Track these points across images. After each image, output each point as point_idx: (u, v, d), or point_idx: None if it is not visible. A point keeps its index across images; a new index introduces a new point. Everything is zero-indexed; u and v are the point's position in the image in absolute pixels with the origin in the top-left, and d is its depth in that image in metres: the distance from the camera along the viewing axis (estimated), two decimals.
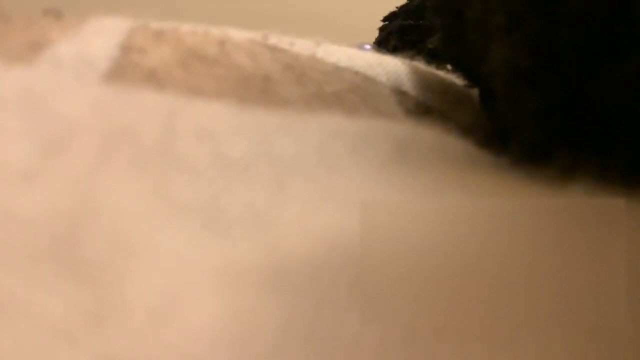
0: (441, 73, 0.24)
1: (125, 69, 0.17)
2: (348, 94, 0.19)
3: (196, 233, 0.12)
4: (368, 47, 0.34)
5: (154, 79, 0.17)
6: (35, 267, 0.11)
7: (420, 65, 0.23)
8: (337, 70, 0.20)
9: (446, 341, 0.10)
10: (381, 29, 0.35)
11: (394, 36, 0.33)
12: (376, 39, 0.35)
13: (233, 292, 0.11)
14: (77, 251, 0.11)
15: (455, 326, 0.10)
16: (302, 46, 0.21)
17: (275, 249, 0.12)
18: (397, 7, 0.35)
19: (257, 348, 0.10)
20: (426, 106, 0.21)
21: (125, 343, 0.10)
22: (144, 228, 0.12)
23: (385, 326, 0.10)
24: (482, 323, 0.10)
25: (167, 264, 0.11)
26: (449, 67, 0.24)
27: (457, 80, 0.23)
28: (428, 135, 0.18)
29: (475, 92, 0.22)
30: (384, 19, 0.36)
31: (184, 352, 0.10)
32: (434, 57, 0.24)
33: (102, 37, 0.18)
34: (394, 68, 0.22)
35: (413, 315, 0.11)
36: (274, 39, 0.20)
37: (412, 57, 0.23)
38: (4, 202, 0.12)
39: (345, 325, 0.10)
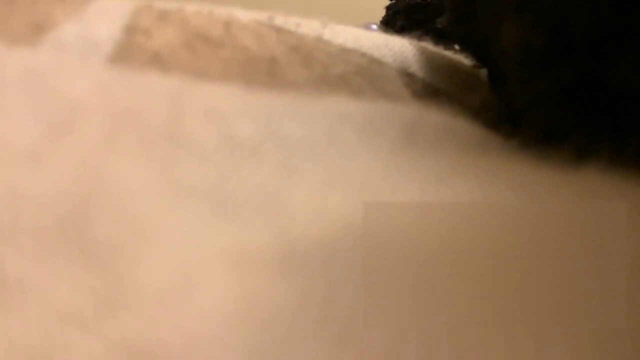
0: (449, 53, 0.23)
1: (130, 51, 0.17)
2: (354, 77, 0.19)
3: (205, 215, 0.12)
4: (374, 27, 0.33)
5: (158, 61, 0.17)
6: (44, 250, 0.11)
7: (428, 45, 0.23)
8: (343, 52, 0.20)
9: (456, 321, 0.10)
10: (388, 8, 0.35)
11: (401, 15, 0.32)
12: (383, 18, 0.34)
13: (245, 275, 0.11)
14: (85, 233, 0.11)
15: (467, 321, 0.10)
16: (308, 27, 0.20)
17: (285, 232, 0.12)
18: None
19: (270, 330, 0.10)
20: (434, 88, 0.21)
21: (136, 326, 0.10)
22: (152, 210, 0.12)
23: (398, 307, 0.10)
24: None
25: (177, 246, 0.11)
26: (457, 47, 0.24)
27: (465, 60, 0.23)
28: (436, 118, 0.17)
29: (483, 72, 0.22)
30: None
31: (196, 335, 0.10)
32: (442, 37, 0.24)
33: (106, 18, 0.18)
34: (401, 49, 0.21)
35: (426, 296, 0.10)
36: (279, 20, 0.20)
37: (419, 38, 0.23)
38: (11, 184, 0.11)
39: (359, 308, 0.10)
